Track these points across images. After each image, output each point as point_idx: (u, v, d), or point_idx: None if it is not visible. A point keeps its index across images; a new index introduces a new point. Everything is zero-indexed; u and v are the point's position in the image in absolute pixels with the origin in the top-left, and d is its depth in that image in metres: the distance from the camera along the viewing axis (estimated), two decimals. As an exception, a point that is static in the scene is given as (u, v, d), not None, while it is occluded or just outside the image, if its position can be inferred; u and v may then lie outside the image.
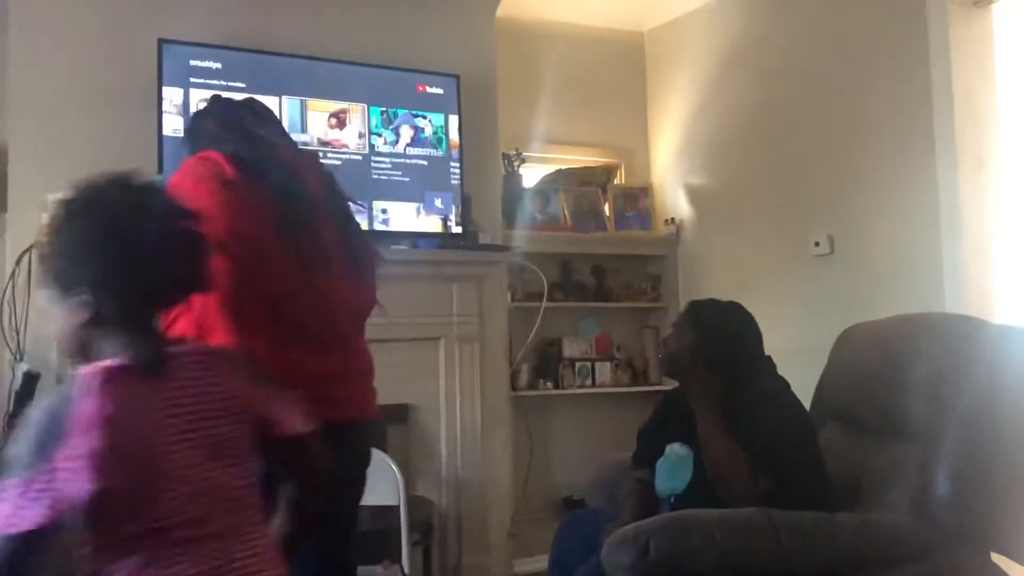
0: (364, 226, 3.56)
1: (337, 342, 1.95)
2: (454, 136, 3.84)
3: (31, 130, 3.28)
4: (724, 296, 2.58)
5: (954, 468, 2.04)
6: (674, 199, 4.60)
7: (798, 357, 3.32)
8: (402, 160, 3.74)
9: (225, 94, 3.35)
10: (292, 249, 1.84)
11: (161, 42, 3.34)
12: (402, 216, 3.71)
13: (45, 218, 3.10)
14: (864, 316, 2.70)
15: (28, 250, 3.15)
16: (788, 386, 2.30)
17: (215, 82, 3.42)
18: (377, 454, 2.88)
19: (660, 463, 2.37)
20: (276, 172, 1.89)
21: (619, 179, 4.72)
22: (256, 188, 1.84)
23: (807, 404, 2.56)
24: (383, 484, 2.80)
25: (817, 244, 3.73)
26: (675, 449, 2.33)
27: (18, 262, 3.16)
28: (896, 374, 2.28)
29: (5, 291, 3.17)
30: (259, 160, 1.90)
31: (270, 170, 1.89)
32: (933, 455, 2.08)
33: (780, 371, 2.39)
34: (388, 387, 3.66)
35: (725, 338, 2.32)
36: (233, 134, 1.99)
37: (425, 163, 3.78)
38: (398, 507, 2.77)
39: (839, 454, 2.35)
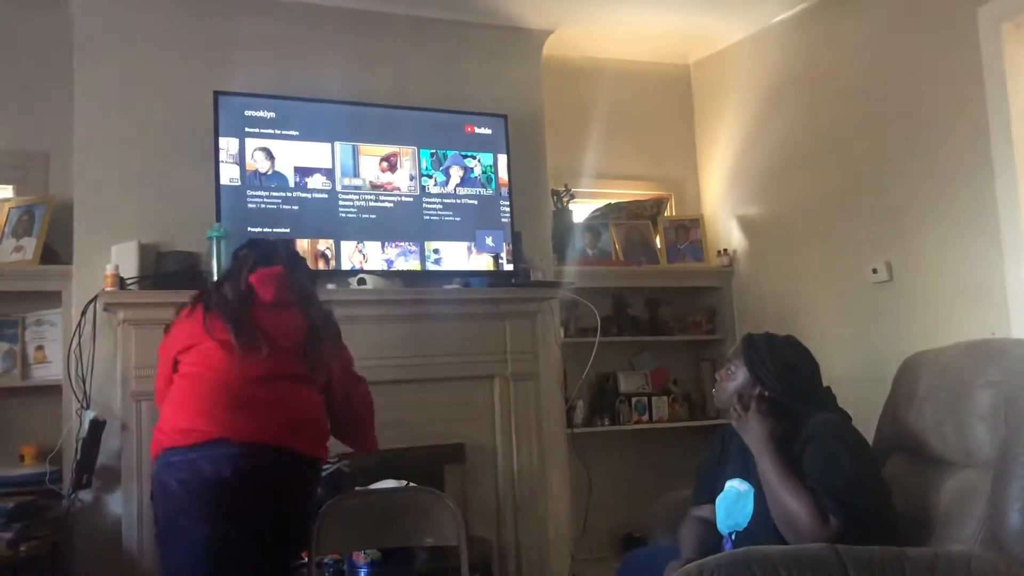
0: (417, 267, 3.64)
1: None
2: (503, 175, 3.88)
3: (95, 185, 3.40)
4: (781, 327, 2.53)
5: (1027, 499, 1.96)
6: (726, 230, 4.57)
7: (859, 387, 3.26)
8: (453, 200, 3.78)
9: (280, 142, 3.50)
10: None
11: (217, 94, 3.44)
12: (454, 256, 3.74)
13: (110, 268, 3.22)
14: (926, 344, 2.63)
15: (93, 301, 3.26)
16: (849, 418, 2.25)
17: (269, 131, 3.52)
18: (434, 493, 2.88)
19: (719, 499, 2.33)
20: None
21: (670, 211, 4.71)
22: None
23: (870, 434, 2.50)
24: (442, 524, 2.79)
25: (875, 271, 3.66)
26: (734, 485, 2.29)
27: (84, 313, 3.26)
28: (962, 402, 2.21)
29: (71, 341, 3.27)
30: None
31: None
32: (1003, 485, 2.00)
33: (841, 401, 2.34)
34: (444, 427, 3.74)
35: (780, 373, 2.27)
36: None
37: (475, 202, 3.82)
38: (457, 547, 2.76)
39: (905, 486, 2.28)
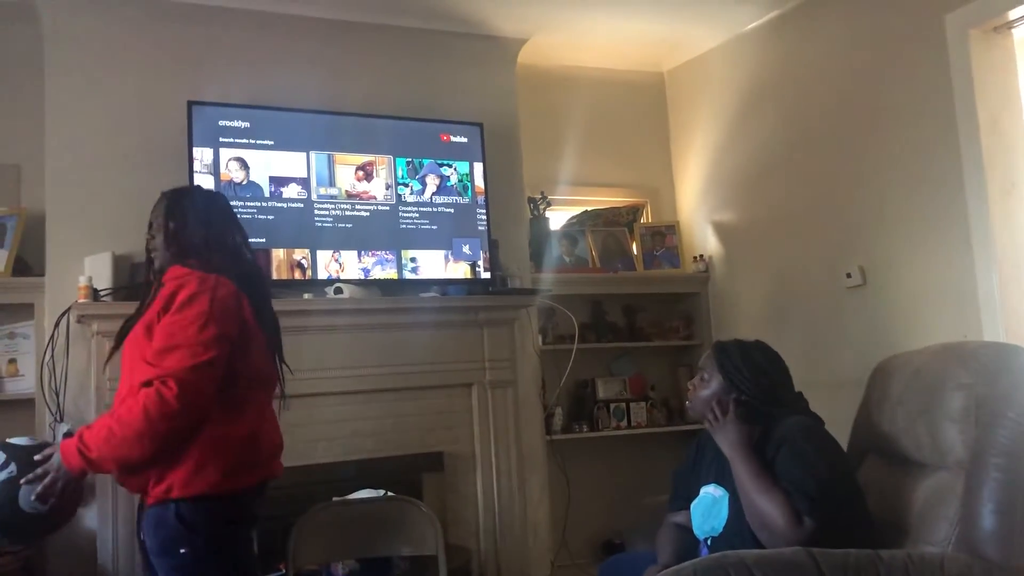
0: (394, 275, 3.63)
1: None
2: (479, 183, 3.88)
3: (68, 195, 3.37)
4: (757, 331, 2.55)
5: (998, 499, 1.98)
6: (702, 236, 4.60)
7: (833, 391, 3.29)
8: (429, 209, 3.78)
9: (254, 152, 3.48)
10: None
11: (190, 104, 3.42)
12: (431, 264, 3.74)
13: (83, 280, 3.20)
14: (899, 347, 2.67)
15: (66, 313, 3.23)
16: (821, 422, 2.27)
17: (244, 140, 3.50)
18: (413, 502, 2.88)
19: (695, 505, 2.34)
20: None
21: (646, 218, 4.73)
22: None
23: (845, 438, 2.52)
24: (420, 533, 2.78)
25: (849, 276, 3.70)
26: (709, 491, 2.30)
27: (56, 325, 3.23)
28: (934, 405, 2.24)
29: (45, 354, 3.24)
30: None
31: None
32: (975, 487, 2.03)
33: (815, 406, 2.36)
34: (422, 435, 3.73)
35: (754, 377, 2.29)
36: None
37: (452, 211, 3.82)
38: (435, 556, 2.75)
39: (880, 488, 2.31)
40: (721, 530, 2.22)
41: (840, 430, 2.41)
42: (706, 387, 2.33)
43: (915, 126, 3.45)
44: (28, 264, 3.41)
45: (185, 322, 2.02)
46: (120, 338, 2.20)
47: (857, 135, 3.71)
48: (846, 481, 2.15)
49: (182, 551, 2.00)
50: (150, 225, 2.34)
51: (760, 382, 2.27)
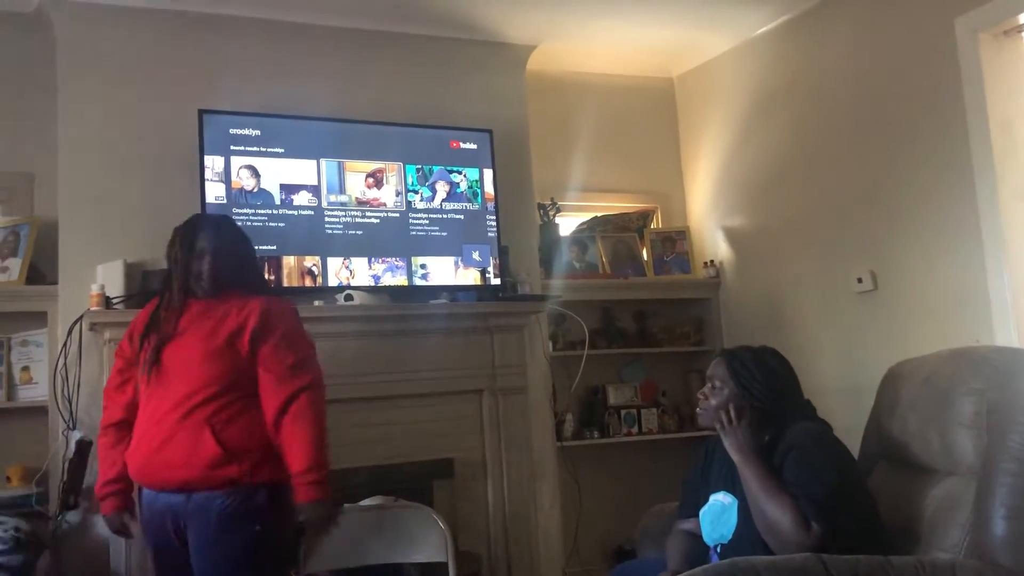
0: (404, 282, 3.64)
1: None
2: (489, 189, 3.89)
3: (80, 204, 3.40)
4: (768, 337, 2.54)
5: (1010, 504, 1.97)
6: (712, 241, 4.59)
7: (844, 396, 3.30)
8: (439, 215, 3.79)
9: (265, 160, 3.50)
10: None
11: (201, 112, 3.45)
12: (441, 270, 3.75)
13: (95, 288, 3.22)
14: (910, 352, 2.65)
15: (78, 320, 3.25)
16: (830, 428, 2.26)
17: (254, 148, 3.52)
18: (423, 509, 2.88)
19: (704, 512, 2.33)
20: None
21: (656, 223, 4.73)
22: None
23: (856, 444, 2.51)
24: (430, 540, 2.78)
25: (860, 281, 3.68)
26: (719, 498, 2.29)
27: (69, 333, 3.25)
28: (945, 410, 2.23)
29: (57, 361, 3.26)
30: None
31: None
32: (987, 492, 2.02)
33: (825, 412, 2.35)
34: (432, 442, 3.73)
35: (767, 383, 2.28)
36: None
37: (462, 217, 3.83)
38: (446, 563, 2.75)
39: (891, 495, 2.29)
40: (731, 537, 2.21)
41: (851, 436, 2.40)
42: (718, 395, 2.31)
43: (925, 130, 3.44)
44: (42, 272, 3.43)
45: (301, 335, 2.45)
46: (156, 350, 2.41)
47: (868, 140, 3.70)
48: (855, 487, 2.14)
49: (257, 527, 2.29)
50: (192, 246, 2.48)
51: (771, 388, 2.26)
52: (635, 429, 4.32)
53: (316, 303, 3.55)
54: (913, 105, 3.49)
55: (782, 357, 2.35)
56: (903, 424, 2.38)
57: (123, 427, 2.46)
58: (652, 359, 4.52)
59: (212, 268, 2.43)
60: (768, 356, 2.34)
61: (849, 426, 2.51)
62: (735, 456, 2.21)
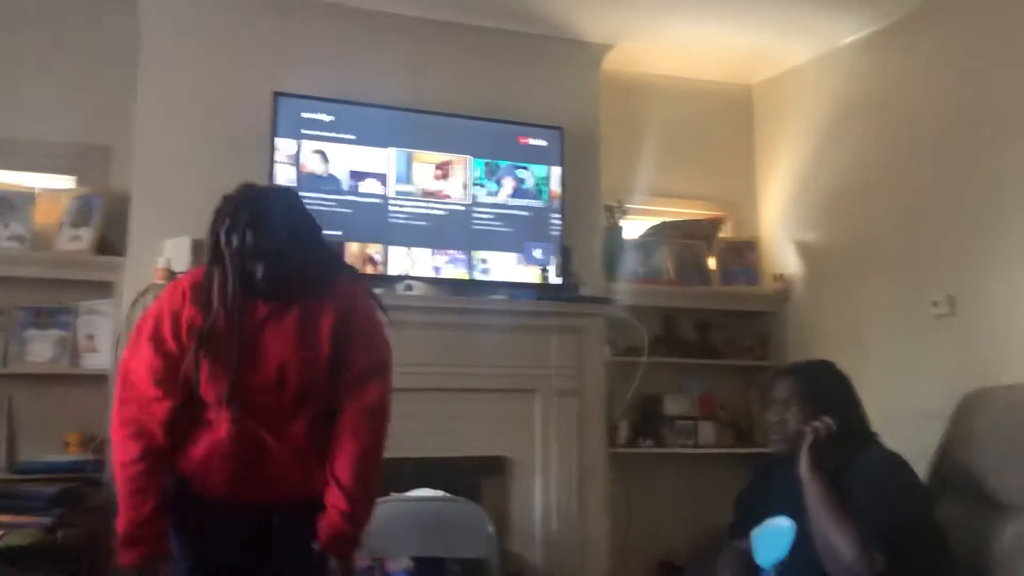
0: (464, 276, 3.61)
1: None
2: (556, 187, 3.84)
3: (153, 178, 3.44)
4: (836, 357, 2.42)
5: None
6: (783, 254, 4.46)
7: (914, 423, 3.15)
8: (503, 211, 3.75)
9: (336, 145, 3.50)
10: None
11: (276, 95, 3.47)
12: (502, 266, 3.71)
13: (161, 262, 3.25)
14: (987, 382, 2.53)
15: (143, 293, 3.29)
16: (902, 458, 2.15)
17: (326, 134, 3.53)
18: (472, 505, 2.84)
19: (759, 534, 2.24)
20: None
21: (725, 233, 4.61)
22: None
23: (924, 473, 2.40)
24: (476, 537, 2.75)
25: (936, 304, 3.53)
26: (776, 522, 2.20)
27: (133, 304, 3.29)
28: (1025, 444, 2.11)
29: (122, 331, 3.30)
30: None
31: None
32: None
33: (893, 437, 2.25)
34: (483, 437, 3.69)
35: (838, 405, 2.19)
36: None
37: (526, 214, 3.78)
38: (487, 561, 2.72)
39: (961, 530, 2.18)
40: (785, 562, 2.12)
41: (921, 465, 2.29)
42: (793, 414, 2.21)
43: (1013, 150, 3.28)
44: (112, 243, 3.49)
45: (383, 339, 2.11)
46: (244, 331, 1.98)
47: (952, 158, 3.55)
48: (926, 520, 2.04)
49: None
50: (248, 240, 1.96)
51: (843, 409, 2.17)
52: (691, 441, 4.21)
53: (377, 290, 3.52)
54: (1006, 123, 3.34)
55: (845, 375, 2.26)
56: (978, 456, 2.26)
57: (167, 453, 1.98)
58: (712, 371, 4.41)
59: (275, 274, 1.96)
60: (839, 375, 2.25)
61: (917, 454, 2.40)
62: (804, 476, 2.11)
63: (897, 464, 2.12)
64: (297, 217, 2.07)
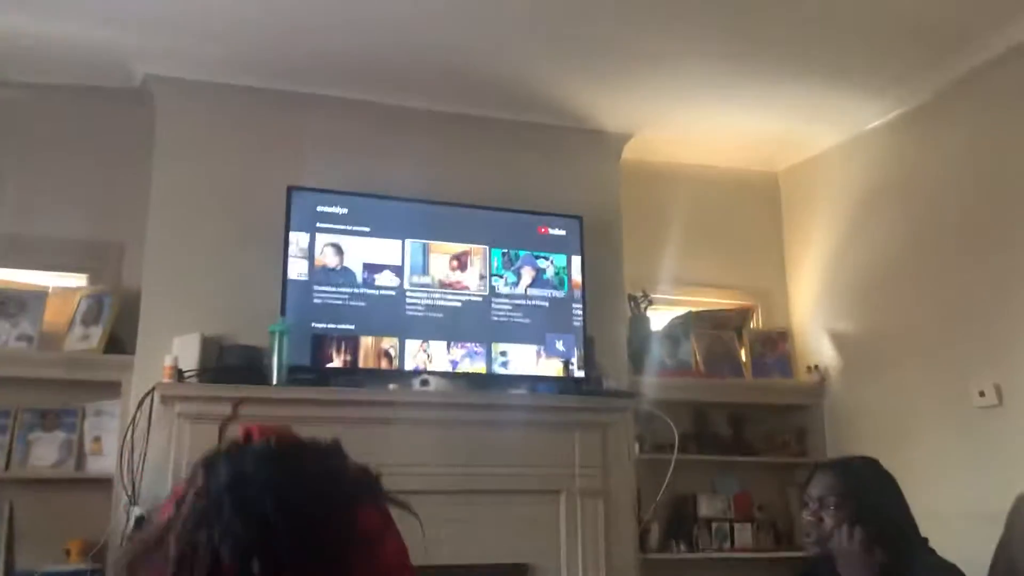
0: (483, 369, 3.47)
1: None
2: (576, 277, 3.73)
3: (163, 274, 3.40)
4: (878, 452, 2.22)
5: None
6: (817, 344, 4.28)
7: (963, 524, 2.91)
8: (523, 302, 3.64)
9: (350, 238, 3.43)
10: None
11: (290, 189, 3.43)
12: (522, 359, 3.58)
13: (168, 360, 3.17)
14: (1045, 476, 2.31)
15: (150, 393, 3.19)
16: (956, 566, 1.94)
17: (340, 226, 3.48)
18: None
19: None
20: None
21: (755, 323, 4.45)
22: None
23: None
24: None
25: (982, 394, 3.32)
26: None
27: (140, 405, 3.19)
28: (1092, 547, 1.90)
29: (126, 434, 3.19)
30: None
31: None
32: None
33: (943, 539, 2.04)
34: (504, 543, 3.48)
35: (886, 506, 2.00)
36: None
37: (547, 304, 3.67)
38: None
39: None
40: None
41: (973, 572, 2.07)
42: (831, 514, 2.02)
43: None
44: (123, 342, 3.42)
45: None
46: None
47: (987, 241, 3.40)
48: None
49: None
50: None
51: (891, 511, 1.98)
52: (727, 544, 3.96)
53: (391, 387, 3.41)
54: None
55: (889, 474, 2.07)
56: (1039, 560, 2.04)
57: None
58: (748, 468, 4.18)
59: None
60: (884, 474, 2.06)
61: (969, 558, 2.18)
62: None
63: (952, 571, 1.90)
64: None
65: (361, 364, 3.37)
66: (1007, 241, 3.33)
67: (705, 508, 4.02)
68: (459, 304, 3.56)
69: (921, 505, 2.09)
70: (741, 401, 4.22)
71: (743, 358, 4.28)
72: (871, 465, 2.10)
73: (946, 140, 3.65)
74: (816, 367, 4.23)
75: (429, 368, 3.45)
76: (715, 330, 4.30)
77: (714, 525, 3.97)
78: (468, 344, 3.52)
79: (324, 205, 3.48)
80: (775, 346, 4.32)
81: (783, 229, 4.58)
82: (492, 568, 3.41)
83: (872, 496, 2.01)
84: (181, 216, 3.45)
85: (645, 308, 4.12)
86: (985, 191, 3.44)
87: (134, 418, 3.19)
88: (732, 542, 3.97)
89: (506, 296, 3.63)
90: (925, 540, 2.04)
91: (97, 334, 3.37)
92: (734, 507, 4.06)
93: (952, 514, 3.09)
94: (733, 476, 4.16)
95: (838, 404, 4.13)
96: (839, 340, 4.17)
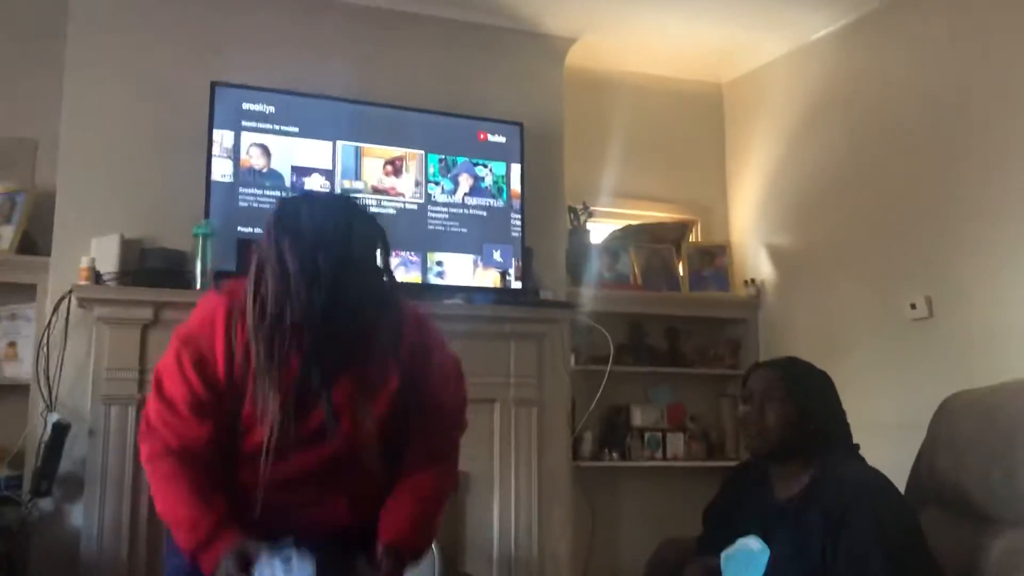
0: (418, 279, 3.39)
1: None
2: (516, 186, 3.65)
3: (80, 173, 3.22)
4: (814, 364, 2.22)
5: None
6: (754, 259, 4.28)
7: (893, 432, 2.95)
8: (460, 210, 3.55)
9: (278, 138, 3.28)
10: None
11: (214, 85, 3.26)
12: (458, 269, 3.51)
13: (85, 262, 3.02)
14: (968, 385, 2.33)
15: (67, 295, 3.06)
16: (885, 476, 1.94)
17: (267, 126, 3.33)
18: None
19: (728, 556, 2.01)
20: None
21: (694, 237, 4.43)
22: None
23: (902, 485, 2.20)
24: (419, 558, 2.52)
25: (913, 307, 3.36)
26: (747, 543, 1.97)
27: (56, 308, 3.06)
28: (1012, 450, 1.92)
29: (42, 338, 3.06)
30: None
31: None
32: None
33: (873, 448, 2.05)
34: None
35: (828, 409, 1.99)
36: None
37: (484, 214, 3.58)
38: (433, 585, 2.49)
39: (944, 547, 1.98)
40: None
41: (898, 477, 2.09)
42: (773, 407, 1.99)
43: (993, 147, 3.14)
44: (36, 243, 3.25)
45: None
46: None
47: (928, 155, 3.40)
48: (918, 542, 1.82)
49: None
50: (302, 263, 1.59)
51: (833, 414, 1.98)
52: (659, 454, 4.01)
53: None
54: (980, 120, 3.19)
55: (829, 376, 2.06)
56: (960, 465, 2.06)
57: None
58: (682, 380, 4.21)
59: (329, 305, 1.59)
60: (821, 372, 2.05)
61: (898, 465, 2.20)
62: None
63: (892, 495, 1.90)
64: (365, 232, 1.69)
65: (291, 270, 3.26)
66: (943, 155, 3.33)
67: (638, 418, 4.05)
68: (393, 211, 3.45)
69: (854, 415, 2.09)
70: (677, 314, 4.23)
71: (681, 272, 4.27)
72: (812, 366, 2.09)
73: (891, 51, 3.61)
74: (752, 281, 4.24)
75: (361, 275, 3.35)
76: (654, 244, 4.27)
77: (647, 435, 4.01)
78: (402, 253, 3.42)
79: (250, 103, 3.32)
80: (713, 260, 4.32)
81: (725, 143, 4.53)
82: (425, 476, 3.39)
83: (815, 394, 2.00)
84: (98, 111, 3.25)
85: (585, 220, 4.06)
86: (928, 104, 3.42)
87: (50, 322, 3.06)
88: (664, 451, 4.02)
89: (443, 204, 3.53)
90: (857, 446, 2.04)
91: (9, 234, 3.19)
92: (667, 417, 4.10)
93: (883, 424, 3.14)
94: (667, 388, 4.20)
95: (773, 318, 4.17)
96: (776, 254, 4.18)
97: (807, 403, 1.96)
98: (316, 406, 1.65)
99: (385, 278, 1.72)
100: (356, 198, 1.90)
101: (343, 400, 1.68)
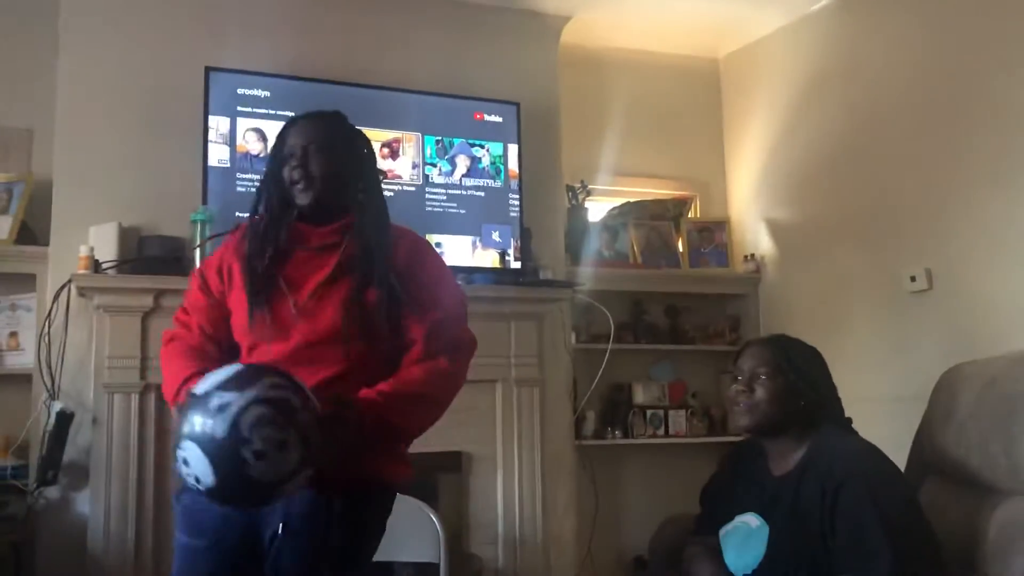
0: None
1: None
2: (513, 166, 3.63)
3: (76, 161, 3.21)
4: (812, 338, 2.21)
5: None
6: (754, 234, 4.28)
7: (895, 405, 2.97)
8: (458, 191, 3.55)
9: (274, 123, 3.27)
10: None
11: (208, 70, 3.24)
12: (457, 250, 3.50)
13: (84, 251, 3.02)
14: (968, 357, 2.34)
15: (67, 284, 3.06)
16: (878, 449, 1.95)
17: (263, 111, 3.31)
18: (418, 504, 2.63)
19: (727, 534, 2.03)
20: None
21: (694, 213, 4.42)
22: None
23: (904, 456, 2.21)
24: (423, 538, 2.54)
25: (913, 279, 3.36)
26: (746, 520, 1.99)
27: (56, 297, 3.06)
28: (1013, 421, 1.93)
29: (43, 329, 3.06)
30: None
31: None
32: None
33: (873, 421, 2.07)
34: (440, 433, 3.40)
35: (819, 384, 2.00)
36: None
37: (482, 194, 3.58)
38: (438, 565, 2.51)
39: (946, 516, 1.99)
40: (757, 567, 1.91)
41: (899, 451, 2.11)
42: (763, 384, 2.00)
43: (994, 119, 3.12)
44: (34, 233, 3.25)
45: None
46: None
47: (927, 128, 3.38)
48: (918, 516, 1.83)
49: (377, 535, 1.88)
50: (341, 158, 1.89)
51: (826, 390, 1.98)
52: (661, 431, 4.02)
53: (321, 278, 3.31)
54: (981, 92, 3.17)
55: (820, 353, 2.07)
56: (961, 435, 2.08)
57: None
58: (683, 357, 4.22)
59: (313, 178, 1.82)
60: (810, 348, 2.05)
61: (898, 438, 2.22)
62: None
63: (876, 455, 1.90)
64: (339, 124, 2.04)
65: (290, 255, 3.26)
66: (941, 128, 3.32)
67: (640, 396, 4.06)
68: (391, 194, 3.42)
69: (853, 389, 2.11)
70: (677, 291, 4.22)
71: (680, 248, 4.26)
72: (802, 342, 2.09)
73: (890, 22, 3.59)
74: (752, 256, 4.24)
75: (361, 258, 3.35)
76: (652, 221, 4.26)
77: (648, 412, 4.03)
78: (401, 234, 3.42)
79: (245, 88, 3.30)
80: (712, 236, 4.32)
81: (723, 118, 4.51)
82: (429, 456, 3.38)
83: (804, 371, 2.00)
84: (93, 99, 3.23)
85: (583, 198, 4.06)
86: (927, 76, 3.40)
87: (51, 312, 3.06)
88: (666, 429, 4.03)
89: (440, 186, 3.52)
90: (849, 420, 2.05)
91: (7, 224, 3.19)
92: (668, 395, 4.11)
93: (884, 396, 3.16)
94: (668, 365, 4.21)
95: (773, 293, 4.17)
96: (776, 229, 4.18)
97: (796, 379, 1.97)
98: (283, 297, 1.79)
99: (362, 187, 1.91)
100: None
101: (311, 289, 1.79)
